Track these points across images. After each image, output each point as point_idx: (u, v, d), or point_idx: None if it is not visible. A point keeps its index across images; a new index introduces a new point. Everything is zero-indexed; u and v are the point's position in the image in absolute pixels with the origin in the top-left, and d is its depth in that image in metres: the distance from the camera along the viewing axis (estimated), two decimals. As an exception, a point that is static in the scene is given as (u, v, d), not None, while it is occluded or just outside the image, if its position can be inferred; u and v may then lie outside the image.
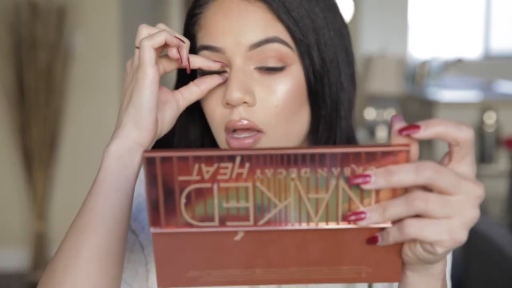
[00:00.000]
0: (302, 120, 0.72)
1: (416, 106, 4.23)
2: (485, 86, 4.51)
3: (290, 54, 0.70)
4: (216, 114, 0.71)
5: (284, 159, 0.49)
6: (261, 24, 0.69)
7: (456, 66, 5.01)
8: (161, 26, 0.65)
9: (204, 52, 0.71)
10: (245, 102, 0.69)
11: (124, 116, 0.63)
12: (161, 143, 0.72)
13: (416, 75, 4.71)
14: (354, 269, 0.53)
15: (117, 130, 0.63)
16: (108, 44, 3.28)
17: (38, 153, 3.23)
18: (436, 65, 4.70)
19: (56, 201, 3.35)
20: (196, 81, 0.70)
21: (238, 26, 0.69)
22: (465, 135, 0.50)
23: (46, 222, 3.31)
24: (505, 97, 3.93)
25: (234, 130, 0.70)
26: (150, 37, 0.63)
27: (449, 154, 0.51)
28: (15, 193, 3.33)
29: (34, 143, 3.22)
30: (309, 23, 0.71)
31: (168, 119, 0.67)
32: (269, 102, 0.69)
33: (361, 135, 4.23)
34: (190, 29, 0.74)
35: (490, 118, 3.45)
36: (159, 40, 0.62)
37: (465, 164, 0.51)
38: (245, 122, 0.69)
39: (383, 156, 0.49)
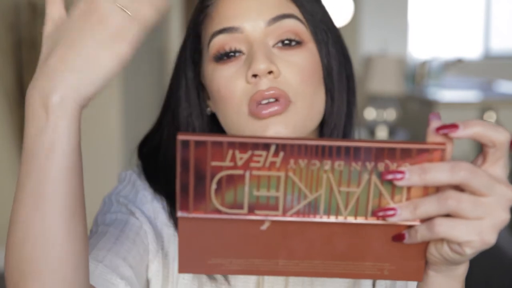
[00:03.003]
0: (320, 99, 0.74)
1: (416, 106, 4.23)
2: (485, 86, 4.50)
3: (305, 31, 0.72)
4: (236, 92, 0.70)
5: (319, 151, 0.49)
6: (276, 2, 0.72)
7: (456, 66, 5.00)
8: None
9: (220, 36, 0.71)
10: (270, 72, 0.69)
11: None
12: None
13: (416, 75, 4.70)
14: (377, 266, 0.53)
15: None
16: (108, 44, 3.28)
17: (38, 153, 3.23)
18: (436, 65, 4.70)
19: (56, 201, 3.35)
20: None
21: (255, 6, 0.71)
22: (503, 137, 0.50)
23: (46, 222, 3.31)
24: (505, 97, 3.93)
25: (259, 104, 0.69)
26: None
27: (483, 155, 0.51)
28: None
29: (34, 143, 3.22)
30: (315, 5, 0.75)
31: None
32: (292, 73, 0.70)
33: (360, 135, 4.23)
34: (196, 28, 0.75)
35: (490, 118, 3.45)
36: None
37: (499, 166, 0.51)
38: (273, 91, 0.69)
39: (418, 154, 0.49)
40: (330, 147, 0.49)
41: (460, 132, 0.49)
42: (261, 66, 0.68)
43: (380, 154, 0.49)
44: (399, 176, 0.49)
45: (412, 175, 0.49)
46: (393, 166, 0.49)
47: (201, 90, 0.78)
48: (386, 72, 4.33)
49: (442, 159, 0.49)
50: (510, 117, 3.57)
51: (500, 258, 1.59)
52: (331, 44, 0.75)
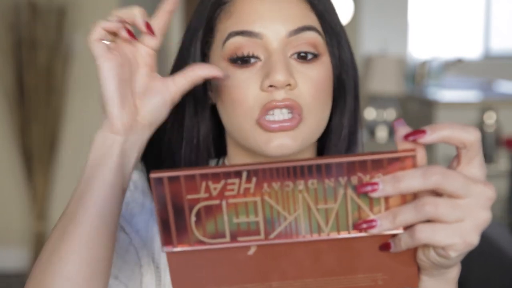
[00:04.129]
0: (328, 111, 0.73)
1: (416, 106, 4.23)
2: (485, 86, 4.51)
3: (322, 43, 0.71)
4: (249, 98, 0.69)
5: (290, 172, 0.49)
6: (298, 12, 0.70)
7: (456, 66, 5.01)
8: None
9: (238, 38, 0.70)
10: (288, 85, 0.68)
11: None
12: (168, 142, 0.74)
13: (416, 75, 4.70)
14: (370, 277, 0.53)
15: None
16: (108, 44, 3.28)
17: (38, 153, 3.23)
18: (436, 65, 4.70)
19: (56, 201, 3.35)
20: (195, 65, 0.68)
21: (276, 12, 0.70)
22: (472, 137, 0.49)
23: (46, 222, 3.31)
24: (505, 97, 3.93)
25: (270, 113, 0.69)
26: (90, 33, 0.62)
27: (457, 157, 0.51)
28: (15, 193, 3.33)
29: (34, 143, 3.22)
30: (333, 16, 0.74)
31: (153, 106, 0.64)
32: (307, 86, 0.69)
33: (361, 136, 4.22)
34: (210, 22, 0.73)
35: (490, 118, 3.45)
36: (97, 33, 0.61)
37: (473, 166, 0.50)
38: (287, 102, 0.68)
39: (389, 163, 0.49)
40: (302, 167, 0.49)
41: (428, 137, 0.49)
42: (280, 78, 0.67)
43: (351, 168, 0.49)
44: (372, 188, 0.49)
45: (385, 185, 0.49)
46: (366, 178, 0.49)
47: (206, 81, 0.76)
48: (386, 72, 4.34)
49: (414, 165, 0.49)
50: (510, 117, 3.57)
51: (500, 258, 1.59)
52: (345, 54, 0.74)
